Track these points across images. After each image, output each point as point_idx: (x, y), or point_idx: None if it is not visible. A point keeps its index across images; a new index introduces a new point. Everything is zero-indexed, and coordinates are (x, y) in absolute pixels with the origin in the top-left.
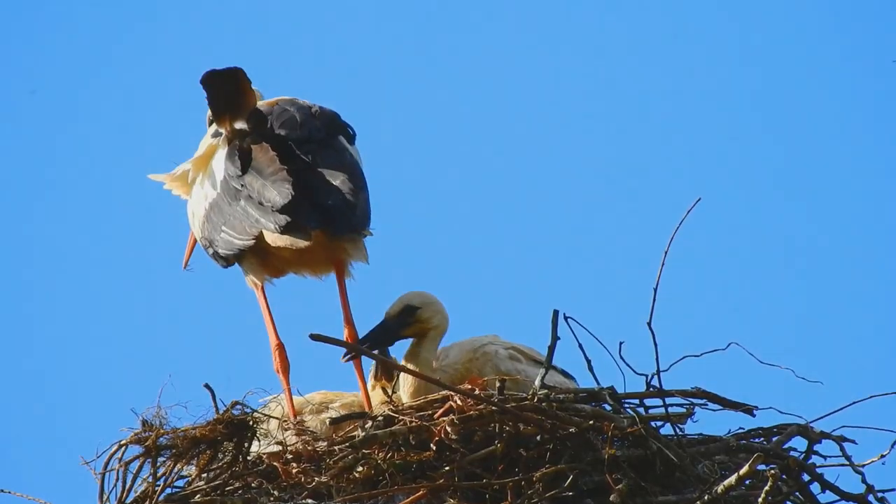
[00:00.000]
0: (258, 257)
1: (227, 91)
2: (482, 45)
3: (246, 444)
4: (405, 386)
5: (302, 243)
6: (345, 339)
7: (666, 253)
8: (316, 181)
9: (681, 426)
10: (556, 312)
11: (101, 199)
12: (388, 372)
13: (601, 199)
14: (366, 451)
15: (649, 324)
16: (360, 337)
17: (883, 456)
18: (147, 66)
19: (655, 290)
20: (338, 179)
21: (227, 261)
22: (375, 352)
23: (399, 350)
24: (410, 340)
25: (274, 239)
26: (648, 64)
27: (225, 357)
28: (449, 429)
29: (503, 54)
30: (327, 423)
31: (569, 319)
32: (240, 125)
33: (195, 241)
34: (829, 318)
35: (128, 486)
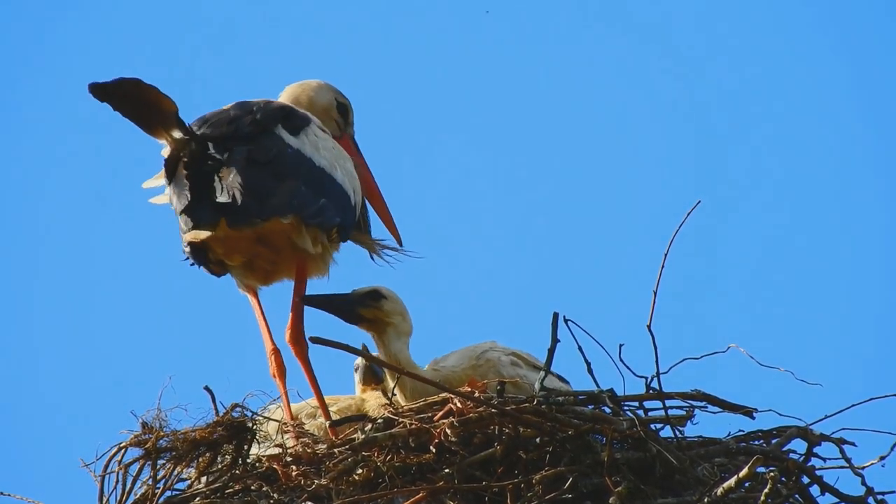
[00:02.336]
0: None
1: (131, 103)
2: (480, 44)
3: (246, 447)
4: (403, 388)
5: (204, 234)
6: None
7: (666, 255)
8: (214, 180)
9: (680, 428)
10: (555, 315)
11: (101, 199)
12: (373, 377)
13: (601, 201)
14: (365, 454)
15: (649, 326)
16: (323, 294)
17: (883, 458)
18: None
19: (655, 292)
20: (236, 173)
21: (210, 270)
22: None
23: None
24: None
25: (187, 237)
26: (650, 65)
27: (225, 359)
28: (448, 431)
29: (506, 53)
30: (326, 426)
31: (568, 322)
32: (176, 134)
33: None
34: (829, 320)
35: (127, 489)
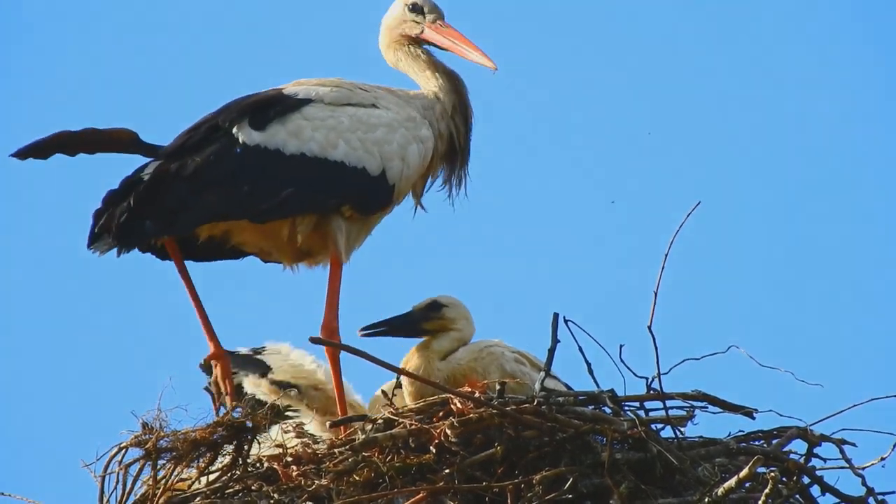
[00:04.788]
0: (271, 251)
1: (74, 147)
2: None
3: (246, 447)
4: (406, 387)
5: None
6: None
7: (666, 256)
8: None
9: (681, 429)
10: (556, 315)
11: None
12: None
13: (601, 202)
14: (366, 454)
15: (650, 327)
16: (382, 320)
17: (883, 458)
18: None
19: (656, 293)
20: (133, 196)
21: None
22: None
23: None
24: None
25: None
26: (649, 65)
27: None
28: (449, 432)
29: (508, 54)
30: (327, 425)
31: (569, 322)
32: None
33: None
34: (829, 321)
35: (128, 489)
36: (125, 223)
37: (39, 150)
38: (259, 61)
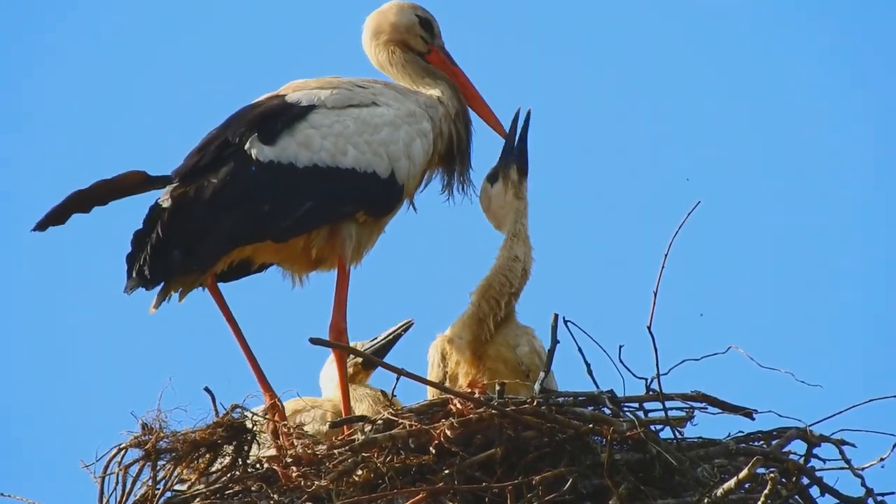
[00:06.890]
0: (283, 263)
1: (91, 202)
2: (485, 50)
3: (246, 448)
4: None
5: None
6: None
7: (666, 256)
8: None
9: (680, 430)
10: (555, 316)
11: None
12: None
13: (601, 202)
14: (365, 455)
15: (649, 327)
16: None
17: (882, 459)
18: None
19: (655, 293)
20: (158, 229)
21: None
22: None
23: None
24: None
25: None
26: (649, 65)
27: (225, 360)
28: (448, 432)
29: (500, 53)
30: (326, 427)
31: (568, 323)
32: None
33: None
34: (829, 322)
35: (127, 490)
36: (153, 256)
37: (57, 217)
38: (250, 62)
